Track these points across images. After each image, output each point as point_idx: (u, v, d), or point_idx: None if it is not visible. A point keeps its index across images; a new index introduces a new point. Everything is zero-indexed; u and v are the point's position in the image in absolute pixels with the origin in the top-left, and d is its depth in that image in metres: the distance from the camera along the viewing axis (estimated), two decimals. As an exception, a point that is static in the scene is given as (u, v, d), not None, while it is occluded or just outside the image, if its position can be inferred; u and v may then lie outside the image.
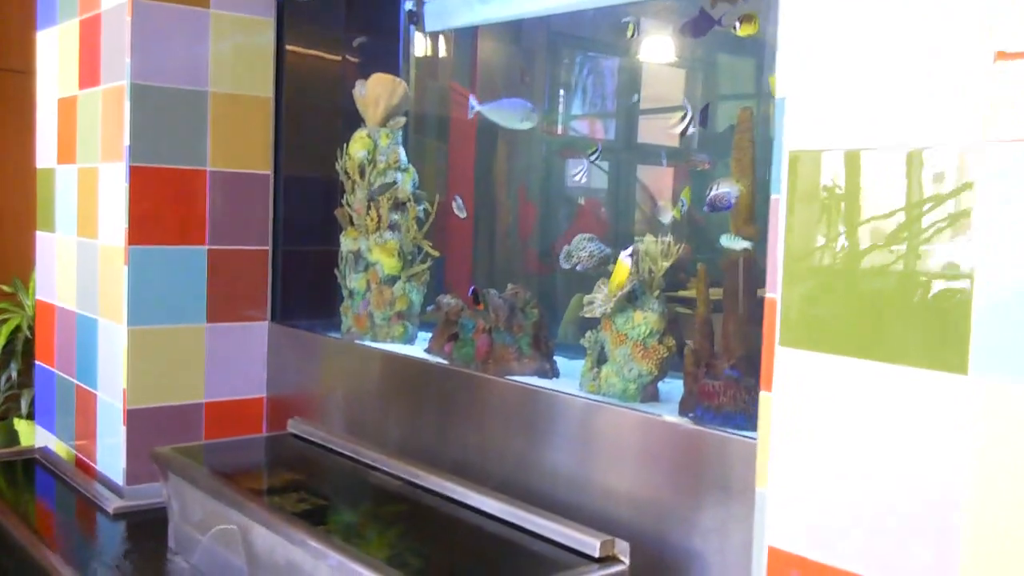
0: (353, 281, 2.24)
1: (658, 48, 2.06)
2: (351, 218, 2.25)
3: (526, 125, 2.05)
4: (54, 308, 2.56)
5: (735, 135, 1.56)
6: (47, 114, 2.59)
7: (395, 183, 2.19)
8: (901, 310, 0.89)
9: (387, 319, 2.19)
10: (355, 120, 2.30)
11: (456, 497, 1.60)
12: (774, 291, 0.99)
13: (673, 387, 1.70)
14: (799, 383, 0.96)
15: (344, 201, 2.27)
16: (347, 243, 2.25)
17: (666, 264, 1.69)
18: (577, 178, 2.13)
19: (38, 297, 2.68)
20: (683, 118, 1.61)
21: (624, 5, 1.96)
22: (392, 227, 2.21)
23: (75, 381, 2.43)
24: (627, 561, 1.35)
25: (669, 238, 1.68)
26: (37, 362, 2.67)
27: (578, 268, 1.76)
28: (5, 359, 3.83)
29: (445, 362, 1.96)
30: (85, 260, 2.37)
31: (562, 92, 2.34)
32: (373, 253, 2.20)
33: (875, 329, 0.90)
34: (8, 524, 2.00)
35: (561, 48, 2.39)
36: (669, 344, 1.67)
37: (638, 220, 2.15)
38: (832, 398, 0.94)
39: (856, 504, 0.93)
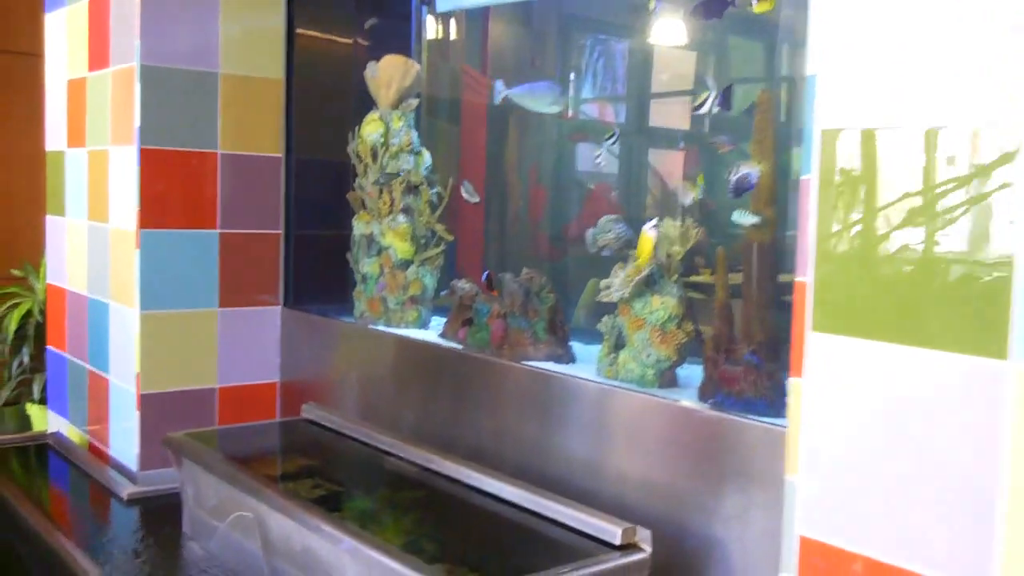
0: (366, 265, 2.22)
1: (674, 29, 2.03)
2: (363, 201, 2.23)
3: (555, 109, 2.03)
4: (65, 292, 2.54)
5: (755, 116, 1.54)
6: (56, 97, 2.57)
7: (398, 174, 2.17)
8: (938, 293, 0.86)
9: (400, 304, 2.17)
10: (367, 102, 2.28)
11: (473, 483, 1.58)
12: (805, 275, 0.96)
13: (691, 372, 1.68)
14: (832, 369, 0.94)
15: (356, 184, 2.25)
16: (360, 227, 2.23)
17: (685, 248, 1.67)
18: (597, 162, 2.10)
19: (49, 281, 2.67)
20: (706, 99, 1.58)
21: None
22: (405, 211, 2.19)
23: (87, 366, 2.41)
24: (648, 549, 1.33)
25: (688, 221, 1.66)
26: (48, 347, 2.66)
27: (604, 253, 1.74)
28: (17, 344, 3.83)
29: (459, 347, 1.95)
30: (96, 244, 2.35)
31: (580, 74, 2.31)
32: (386, 237, 2.18)
33: (911, 313, 0.88)
34: (22, 510, 1.99)
35: (577, 28, 2.36)
36: (688, 329, 1.65)
37: (656, 203, 2.12)
38: (866, 384, 0.91)
39: (892, 492, 0.90)
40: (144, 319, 2.15)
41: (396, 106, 2.24)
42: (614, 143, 1.99)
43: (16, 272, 4.08)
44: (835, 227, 0.93)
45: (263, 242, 2.32)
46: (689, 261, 1.70)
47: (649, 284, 1.67)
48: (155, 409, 2.17)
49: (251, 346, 2.31)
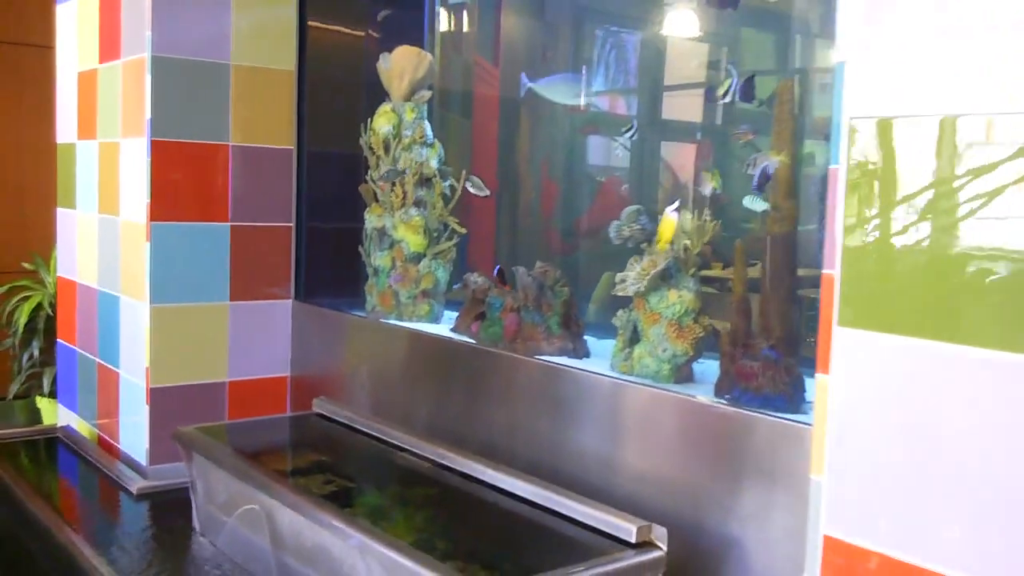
0: (378, 259, 2.20)
1: (689, 18, 2.00)
2: (376, 194, 2.21)
3: (578, 100, 2.01)
4: (75, 285, 2.53)
5: (775, 107, 1.51)
6: (67, 88, 2.56)
7: (404, 172, 2.14)
8: (969, 287, 0.83)
9: (412, 297, 2.15)
10: (379, 94, 2.26)
11: (485, 479, 1.56)
12: (832, 268, 0.93)
13: (707, 367, 1.65)
14: (860, 365, 0.91)
15: (368, 177, 2.23)
16: (372, 220, 2.21)
17: (702, 241, 1.64)
18: (618, 153, 2.08)
19: (59, 274, 2.66)
20: (730, 87, 1.55)
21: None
22: (417, 203, 2.16)
23: (97, 359, 2.40)
24: (664, 547, 1.30)
25: (706, 214, 1.63)
26: (59, 340, 2.65)
27: (629, 244, 1.71)
28: (27, 337, 3.83)
29: (472, 341, 1.92)
30: (106, 237, 2.33)
31: (596, 65, 2.28)
32: (398, 230, 2.16)
33: (946, 308, 0.85)
34: (32, 505, 1.98)
35: (592, 20, 2.34)
36: (705, 323, 1.63)
37: (675, 193, 2.09)
38: (897, 381, 0.89)
39: (923, 493, 0.88)
40: (154, 312, 2.14)
41: (409, 98, 2.22)
42: (633, 135, 1.97)
43: (27, 265, 4.08)
44: (863, 218, 0.91)
45: (274, 235, 2.30)
46: (703, 254, 1.67)
47: (665, 278, 1.64)
48: (165, 403, 2.15)
49: (262, 340, 2.29)
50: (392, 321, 2.15)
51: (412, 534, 1.41)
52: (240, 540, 1.65)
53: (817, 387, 0.95)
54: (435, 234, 2.18)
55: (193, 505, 1.82)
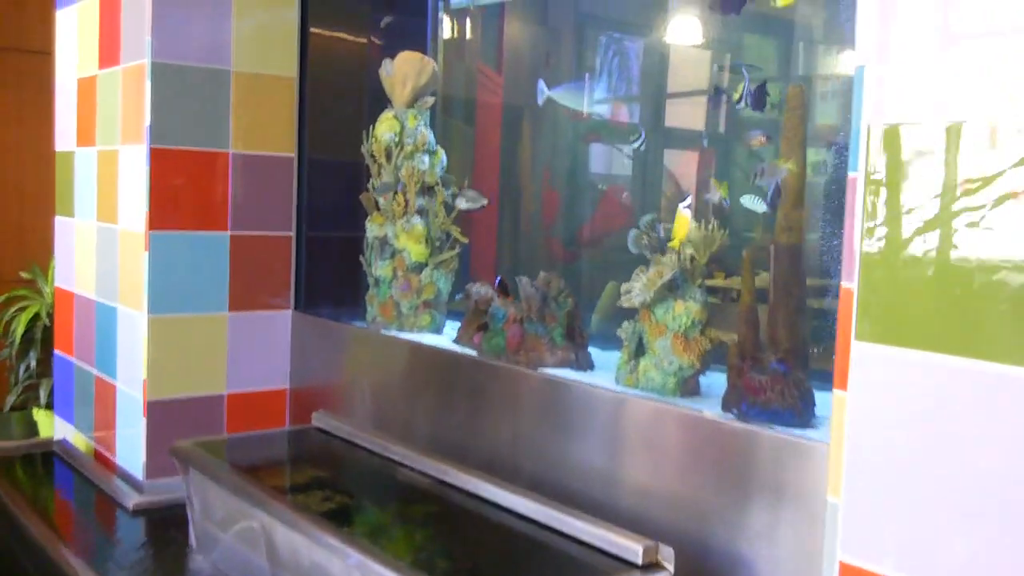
0: (379, 268, 2.16)
1: (693, 24, 1.97)
2: (377, 203, 2.18)
3: (592, 106, 1.99)
4: (73, 296, 2.50)
5: (785, 114, 1.48)
6: (66, 95, 2.53)
7: (398, 184, 2.11)
8: (992, 301, 0.80)
9: (414, 308, 2.11)
10: (381, 101, 2.23)
11: (488, 496, 1.52)
12: (850, 280, 0.89)
13: (714, 381, 1.61)
14: (879, 381, 0.87)
15: (370, 185, 2.20)
16: (373, 229, 2.18)
17: (710, 251, 1.60)
18: (628, 161, 2.05)
19: (57, 284, 2.63)
20: (743, 91, 1.52)
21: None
22: (419, 212, 2.13)
23: (94, 371, 2.37)
24: (671, 568, 1.26)
25: (713, 223, 1.60)
26: (56, 351, 2.62)
27: (647, 253, 1.67)
28: (24, 348, 3.79)
29: (474, 353, 1.89)
30: (104, 246, 2.30)
31: (598, 73, 2.25)
32: (400, 239, 2.12)
33: (968, 322, 0.81)
34: (27, 521, 1.94)
35: (596, 26, 2.31)
36: (712, 335, 1.59)
37: (681, 199, 2.06)
38: (918, 398, 0.85)
39: (946, 516, 0.84)
40: (152, 323, 2.10)
41: (411, 104, 2.19)
42: (641, 144, 1.93)
43: (24, 275, 4.05)
44: (882, 229, 0.87)
45: (274, 244, 2.27)
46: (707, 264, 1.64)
47: (672, 289, 1.60)
48: (162, 416, 2.12)
49: (261, 351, 2.26)
50: (393, 332, 2.11)
51: (412, 553, 1.38)
52: (237, 557, 1.61)
53: (834, 404, 0.92)
54: (437, 243, 2.14)
55: (190, 521, 1.78)
